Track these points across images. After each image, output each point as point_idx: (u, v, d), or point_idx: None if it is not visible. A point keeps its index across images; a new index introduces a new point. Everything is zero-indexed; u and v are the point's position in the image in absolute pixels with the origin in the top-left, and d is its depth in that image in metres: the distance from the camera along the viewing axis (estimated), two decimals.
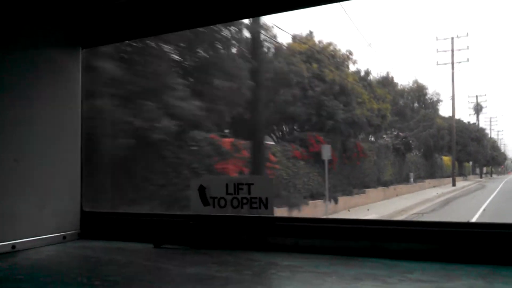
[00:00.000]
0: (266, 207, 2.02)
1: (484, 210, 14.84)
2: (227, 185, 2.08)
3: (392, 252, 1.78)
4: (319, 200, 15.18)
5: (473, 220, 12.59)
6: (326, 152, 15.18)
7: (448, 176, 27.01)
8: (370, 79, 18.36)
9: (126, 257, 1.93)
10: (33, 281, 1.57)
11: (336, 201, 15.75)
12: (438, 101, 26.41)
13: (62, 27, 2.31)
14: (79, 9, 2.26)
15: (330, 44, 17.59)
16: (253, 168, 11.66)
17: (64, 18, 2.29)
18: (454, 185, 26.12)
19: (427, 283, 1.44)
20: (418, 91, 20.22)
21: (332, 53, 17.46)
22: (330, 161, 15.38)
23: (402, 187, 21.33)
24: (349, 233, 1.88)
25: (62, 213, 2.29)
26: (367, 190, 18.43)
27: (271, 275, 1.63)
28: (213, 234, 2.08)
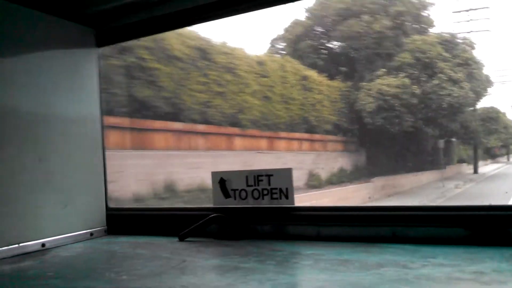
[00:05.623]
0: (286, 197, 2.04)
1: None
2: (247, 177, 2.11)
3: (414, 238, 1.78)
4: None
5: None
6: None
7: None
8: None
9: (152, 251, 1.97)
10: (62, 278, 1.62)
11: None
12: None
13: (77, 27, 2.35)
14: (95, 8, 2.30)
15: None
16: None
17: (80, 17, 2.33)
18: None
19: (450, 267, 1.44)
20: None
21: None
22: None
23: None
24: (370, 220, 1.89)
25: (88, 211, 2.36)
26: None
27: (294, 264, 1.65)
28: (236, 225, 2.11)
